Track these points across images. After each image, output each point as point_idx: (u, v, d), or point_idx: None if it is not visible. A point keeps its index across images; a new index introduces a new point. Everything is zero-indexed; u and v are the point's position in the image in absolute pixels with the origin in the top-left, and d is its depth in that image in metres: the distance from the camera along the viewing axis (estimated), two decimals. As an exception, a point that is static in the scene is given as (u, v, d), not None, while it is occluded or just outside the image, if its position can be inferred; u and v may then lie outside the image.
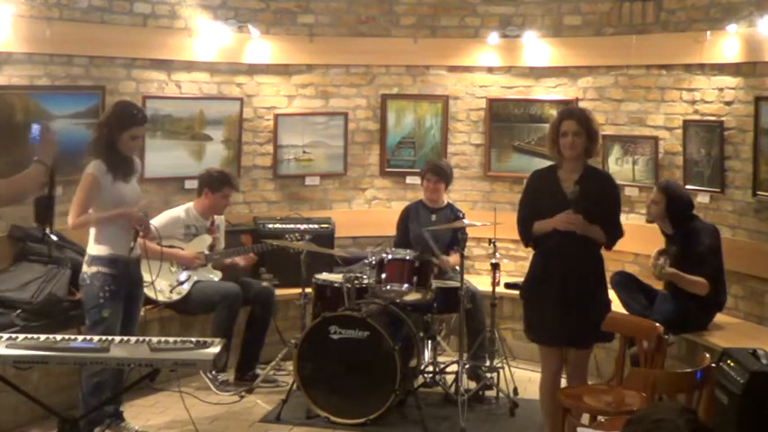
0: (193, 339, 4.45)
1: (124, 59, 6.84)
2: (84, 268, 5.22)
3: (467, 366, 6.20)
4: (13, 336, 4.44)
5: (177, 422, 5.72)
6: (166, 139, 7.03)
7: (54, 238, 6.09)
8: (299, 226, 7.17)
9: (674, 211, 5.96)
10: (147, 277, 5.48)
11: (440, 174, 6.77)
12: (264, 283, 6.73)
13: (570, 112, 5.11)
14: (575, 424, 4.65)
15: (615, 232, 5.03)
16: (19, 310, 5.60)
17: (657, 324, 4.89)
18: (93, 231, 5.22)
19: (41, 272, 5.84)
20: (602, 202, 4.98)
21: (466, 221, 6.54)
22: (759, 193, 6.12)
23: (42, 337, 4.41)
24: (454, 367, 6.17)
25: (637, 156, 7.11)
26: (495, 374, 6.23)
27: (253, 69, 7.52)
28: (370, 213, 7.87)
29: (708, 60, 6.59)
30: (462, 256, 6.25)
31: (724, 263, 5.95)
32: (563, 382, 5.17)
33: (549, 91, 7.61)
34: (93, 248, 5.19)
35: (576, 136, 4.91)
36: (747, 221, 6.33)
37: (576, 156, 4.95)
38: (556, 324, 4.96)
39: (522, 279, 5.41)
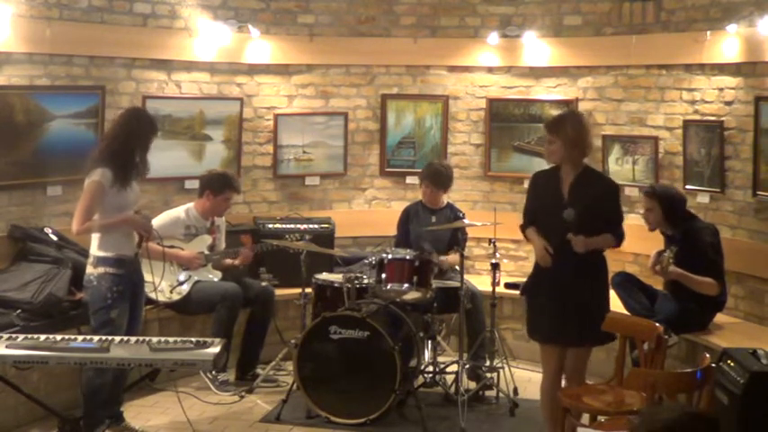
0: (193, 339, 4.46)
1: (124, 59, 6.84)
2: (90, 270, 5.21)
3: (467, 366, 6.20)
4: (13, 336, 4.45)
5: (177, 422, 5.72)
6: (166, 139, 7.01)
7: (54, 238, 6.13)
8: (299, 226, 7.17)
9: (672, 212, 5.95)
10: (147, 277, 5.49)
11: (438, 183, 6.74)
12: (264, 284, 6.73)
13: (547, 121, 5.32)
14: (575, 424, 4.65)
15: (620, 230, 5.06)
16: (19, 310, 5.60)
17: (657, 324, 4.90)
18: (97, 234, 5.22)
19: (41, 272, 5.83)
20: (599, 201, 4.99)
21: (466, 221, 6.54)
22: (759, 193, 6.12)
23: (42, 337, 4.42)
24: (454, 367, 6.17)
25: (637, 156, 7.11)
26: (495, 374, 6.23)
27: (253, 69, 7.52)
28: (370, 213, 7.87)
29: (708, 60, 6.59)
30: (462, 256, 6.25)
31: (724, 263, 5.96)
32: (563, 382, 5.17)
33: (549, 91, 7.60)
34: (99, 250, 5.18)
35: (550, 144, 5.04)
36: (747, 221, 6.33)
37: (560, 160, 5.04)
38: (556, 323, 4.98)
39: (522, 279, 5.43)
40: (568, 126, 5.05)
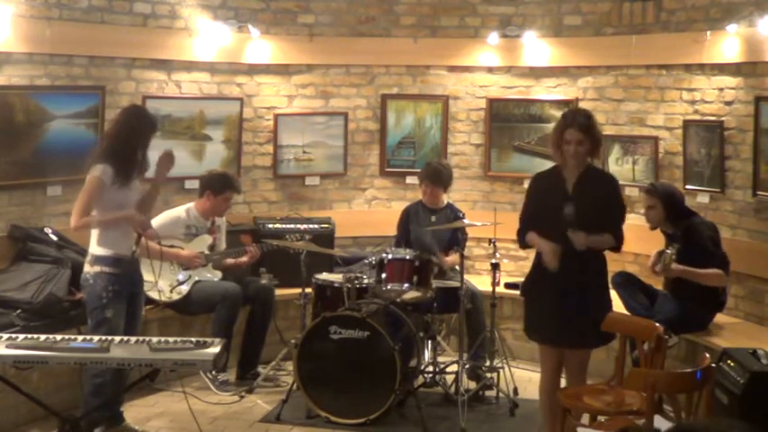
0: (193, 339, 4.46)
1: (124, 59, 6.84)
2: (87, 268, 5.20)
3: (467, 366, 6.20)
4: (13, 336, 4.45)
5: (177, 422, 5.72)
6: (166, 139, 6.98)
7: (54, 238, 6.13)
8: (299, 226, 7.17)
9: (673, 209, 5.96)
10: (147, 277, 5.49)
11: (436, 181, 6.74)
12: (264, 281, 6.73)
13: (573, 119, 4.99)
14: (575, 424, 4.65)
15: (620, 232, 5.00)
16: (19, 310, 5.60)
17: (657, 324, 4.90)
18: (95, 232, 5.21)
19: (41, 272, 5.83)
20: (602, 200, 4.97)
21: (466, 221, 6.54)
22: (759, 193, 6.13)
23: (42, 337, 4.42)
24: (454, 367, 6.17)
25: (637, 156, 7.11)
26: (495, 374, 6.23)
27: (253, 69, 7.52)
28: (370, 213, 7.87)
29: (708, 60, 6.59)
30: (462, 256, 6.25)
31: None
32: (563, 383, 5.17)
33: (549, 91, 7.61)
34: (97, 249, 5.18)
35: (580, 144, 4.90)
36: (747, 221, 6.33)
37: (582, 160, 4.97)
38: (555, 324, 4.96)
39: (522, 279, 5.41)
40: (597, 125, 5.03)
